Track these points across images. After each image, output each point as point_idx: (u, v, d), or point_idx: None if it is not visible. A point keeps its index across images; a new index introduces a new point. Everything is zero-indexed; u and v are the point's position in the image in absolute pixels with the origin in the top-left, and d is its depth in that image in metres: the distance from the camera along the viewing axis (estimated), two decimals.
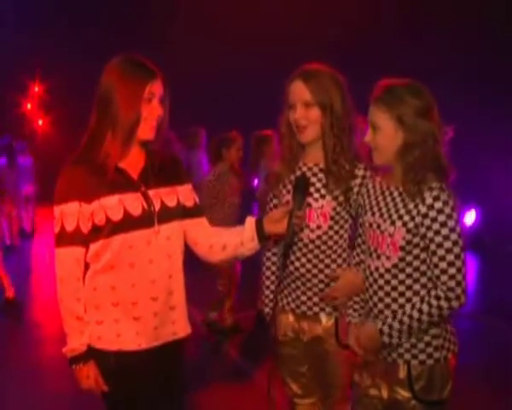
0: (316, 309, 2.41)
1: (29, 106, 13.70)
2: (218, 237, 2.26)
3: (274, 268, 2.57)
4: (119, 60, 2.10)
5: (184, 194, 2.22)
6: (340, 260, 2.39)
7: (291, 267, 2.40)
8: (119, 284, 2.07)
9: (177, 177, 2.22)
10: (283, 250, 2.27)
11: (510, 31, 7.45)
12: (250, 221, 2.20)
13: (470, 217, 8.52)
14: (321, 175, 2.36)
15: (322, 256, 2.37)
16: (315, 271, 2.38)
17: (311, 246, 2.37)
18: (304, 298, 2.41)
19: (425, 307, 2.01)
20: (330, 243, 2.37)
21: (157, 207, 2.11)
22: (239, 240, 2.19)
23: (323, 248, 2.36)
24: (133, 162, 2.12)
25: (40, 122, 14.03)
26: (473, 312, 5.31)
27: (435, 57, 7.86)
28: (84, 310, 2.11)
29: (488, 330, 5.41)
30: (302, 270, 2.38)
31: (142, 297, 2.09)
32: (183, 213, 2.20)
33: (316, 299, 2.40)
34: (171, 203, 2.16)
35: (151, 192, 2.11)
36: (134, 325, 2.10)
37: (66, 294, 2.10)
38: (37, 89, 13.46)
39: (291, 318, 2.47)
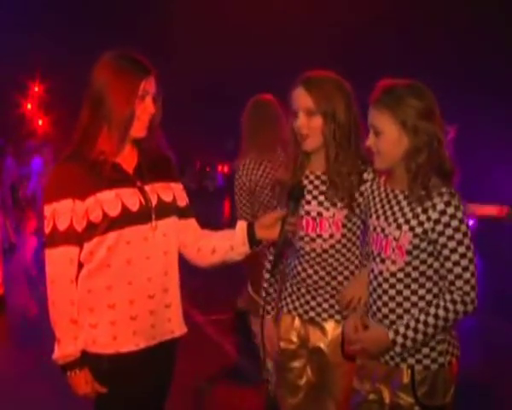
0: (324, 316, 2.35)
1: (29, 106, 13.71)
2: (207, 240, 2.21)
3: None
4: (113, 55, 2.04)
5: (178, 192, 2.19)
6: (352, 267, 2.34)
7: (303, 274, 2.35)
8: (116, 282, 2.00)
9: (170, 174, 2.18)
10: (274, 257, 2.23)
11: (510, 31, 7.45)
12: (241, 225, 2.16)
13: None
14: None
15: (336, 264, 2.32)
16: (328, 278, 2.33)
17: (324, 255, 2.31)
18: (313, 303, 2.36)
19: (441, 313, 1.98)
20: (344, 250, 2.31)
21: (154, 202, 2.06)
22: (229, 244, 2.15)
23: (337, 256, 2.31)
24: (127, 159, 2.08)
25: (40, 122, 14.03)
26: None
27: (435, 57, 7.86)
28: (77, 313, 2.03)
29: (488, 331, 5.41)
30: (315, 277, 2.34)
31: (139, 295, 2.03)
32: (176, 212, 2.17)
33: (325, 305, 2.34)
34: (168, 198, 2.12)
35: (147, 187, 2.07)
36: (131, 325, 2.03)
37: (60, 296, 2.00)
38: (37, 89, 13.46)
39: (297, 322, 2.41)
